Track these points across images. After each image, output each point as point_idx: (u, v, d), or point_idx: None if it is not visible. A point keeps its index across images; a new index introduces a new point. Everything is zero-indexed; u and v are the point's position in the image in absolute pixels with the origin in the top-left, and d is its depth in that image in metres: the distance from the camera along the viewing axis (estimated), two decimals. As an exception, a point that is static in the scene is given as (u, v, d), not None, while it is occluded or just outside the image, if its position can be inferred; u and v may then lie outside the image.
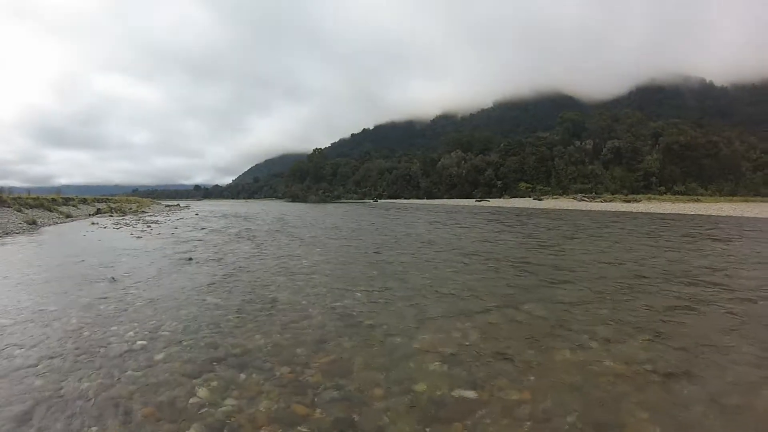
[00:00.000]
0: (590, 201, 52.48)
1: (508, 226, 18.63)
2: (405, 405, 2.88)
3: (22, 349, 3.84)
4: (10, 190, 26.44)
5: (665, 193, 60.39)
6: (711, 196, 56.52)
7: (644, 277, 7.02)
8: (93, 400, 2.94)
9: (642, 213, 31.76)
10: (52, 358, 3.64)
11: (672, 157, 67.34)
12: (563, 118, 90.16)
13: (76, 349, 3.84)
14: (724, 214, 29.05)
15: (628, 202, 49.16)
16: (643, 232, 15.25)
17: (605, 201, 51.65)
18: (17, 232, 15.89)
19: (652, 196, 55.19)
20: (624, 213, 31.92)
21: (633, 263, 8.39)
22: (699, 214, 29.11)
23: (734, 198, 51.81)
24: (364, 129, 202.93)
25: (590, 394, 3.02)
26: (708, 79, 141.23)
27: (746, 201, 47.01)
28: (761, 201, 46.41)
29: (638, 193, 59.73)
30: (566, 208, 42.50)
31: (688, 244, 11.49)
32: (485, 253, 9.97)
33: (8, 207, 21.26)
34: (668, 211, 33.86)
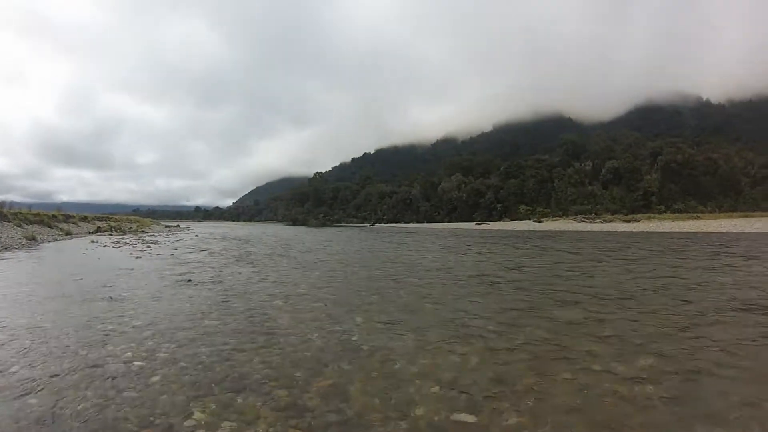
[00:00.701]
0: (590, 222, 52.46)
1: (523, 249, 18.43)
2: (403, 429, 2.85)
3: (18, 367, 3.82)
4: (11, 204, 26.63)
5: (665, 211, 60.38)
6: (711, 213, 56.47)
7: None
8: (88, 420, 2.90)
9: (652, 233, 31.83)
10: (47, 376, 3.61)
11: (671, 176, 67.58)
12: (563, 140, 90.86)
13: (73, 368, 3.81)
14: (725, 230, 29.14)
15: (629, 221, 49.16)
16: (670, 252, 15.16)
17: (605, 221, 51.64)
18: (16, 247, 15.90)
19: (652, 216, 55.19)
20: (636, 233, 31.90)
21: (686, 289, 7.86)
22: (713, 232, 29.09)
23: (734, 214, 51.59)
24: (365, 153, 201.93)
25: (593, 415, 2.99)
26: (705, 96, 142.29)
27: (746, 216, 46.83)
28: (761, 215, 46.12)
29: (638, 213, 59.73)
30: (567, 229, 42.39)
31: (729, 265, 11.23)
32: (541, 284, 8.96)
33: (8, 222, 21.33)
34: (674, 230, 33.89)
